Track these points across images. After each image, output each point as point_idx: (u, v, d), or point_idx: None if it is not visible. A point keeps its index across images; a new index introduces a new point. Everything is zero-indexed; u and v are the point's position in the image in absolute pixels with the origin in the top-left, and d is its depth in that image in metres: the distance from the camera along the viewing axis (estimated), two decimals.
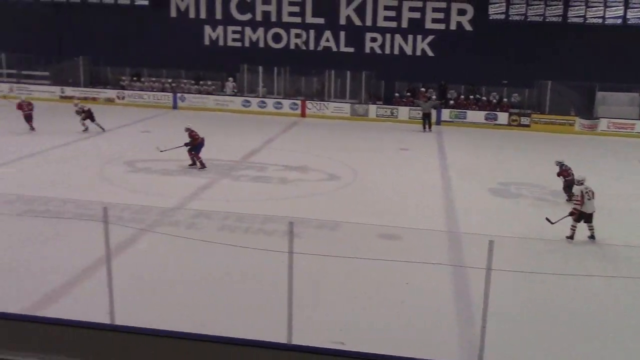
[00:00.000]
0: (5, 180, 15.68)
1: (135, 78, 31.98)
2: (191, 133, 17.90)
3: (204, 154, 17.77)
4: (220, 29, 31.64)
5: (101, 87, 31.78)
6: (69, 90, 31.12)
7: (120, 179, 16.50)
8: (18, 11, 31.99)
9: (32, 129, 22.17)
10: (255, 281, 10.10)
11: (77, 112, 22.67)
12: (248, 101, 29.99)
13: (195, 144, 17.77)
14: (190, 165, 17.95)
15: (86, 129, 22.61)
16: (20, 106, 22.34)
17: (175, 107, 30.23)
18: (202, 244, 10.10)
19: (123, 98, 30.78)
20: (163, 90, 31.21)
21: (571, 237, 12.49)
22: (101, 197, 12.53)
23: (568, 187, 15.18)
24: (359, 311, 9.20)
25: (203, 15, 31.64)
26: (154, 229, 12.08)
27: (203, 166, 17.79)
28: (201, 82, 31.48)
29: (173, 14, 31.81)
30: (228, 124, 26.48)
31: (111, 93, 31.10)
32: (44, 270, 10.23)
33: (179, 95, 30.47)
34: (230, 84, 30.93)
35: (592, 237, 12.54)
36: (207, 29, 31.71)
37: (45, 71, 32.58)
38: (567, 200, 15.20)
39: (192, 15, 31.74)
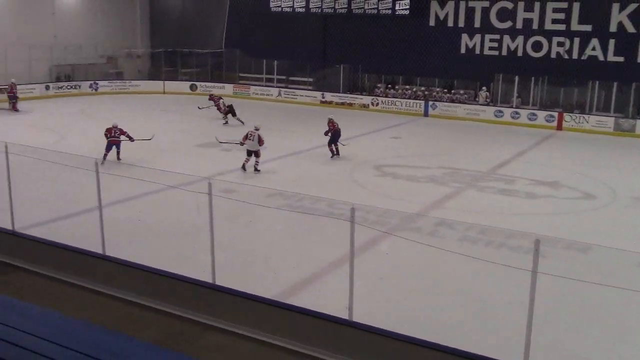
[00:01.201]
0: (271, 176, 17.37)
1: (389, 86, 33.03)
2: (331, 124, 19.96)
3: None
4: (477, 37, 31.23)
5: (357, 94, 33.41)
6: (329, 96, 33.28)
7: (369, 182, 17.17)
8: (291, 22, 35.09)
9: (226, 122, 25.93)
10: (493, 297, 9.80)
11: (218, 108, 26.30)
12: (501, 111, 29.15)
13: (333, 133, 19.81)
14: (332, 157, 19.77)
15: (226, 122, 25.62)
16: (215, 98, 27.10)
17: (426, 114, 30.57)
18: (441, 252, 10.07)
19: (377, 105, 31.97)
20: (415, 97, 31.78)
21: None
22: (349, 198, 13.15)
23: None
24: (607, 344, 8.42)
25: (461, 23, 31.52)
26: (396, 232, 12.36)
27: (334, 154, 19.85)
28: (453, 91, 31.41)
29: (431, 23, 32.20)
30: (478, 134, 26.05)
31: (366, 99, 32.52)
32: (296, 260, 11.08)
33: (430, 103, 30.77)
34: (483, 93, 30.38)
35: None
36: (464, 38, 31.52)
37: (310, 77, 35.23)
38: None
39: (450, 24, 31.81)
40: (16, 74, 29.57)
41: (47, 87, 33.28)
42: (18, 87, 28.75)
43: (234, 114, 25.84)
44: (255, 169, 17.61)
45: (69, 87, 34.24)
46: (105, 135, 18.11)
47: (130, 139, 18.31)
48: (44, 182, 15.12)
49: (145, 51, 40.16)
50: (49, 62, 34.35)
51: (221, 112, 26.24)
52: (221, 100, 26.71)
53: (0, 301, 5.86)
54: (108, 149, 17.96)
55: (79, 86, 34.59)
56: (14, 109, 27.86)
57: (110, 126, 18.26)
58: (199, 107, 27.60)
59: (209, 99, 27.46)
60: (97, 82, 35.24)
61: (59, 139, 21.67)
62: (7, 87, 28.23)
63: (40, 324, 5.09)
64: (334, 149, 19.88)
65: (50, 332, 4.82)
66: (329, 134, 19.93)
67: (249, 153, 17.61)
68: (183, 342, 8.06)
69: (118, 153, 18.20)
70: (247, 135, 17.68)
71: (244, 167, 17.59)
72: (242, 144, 17.98)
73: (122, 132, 18.22)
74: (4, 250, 10.71)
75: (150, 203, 14.06)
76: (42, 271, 10.20)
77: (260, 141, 17.51)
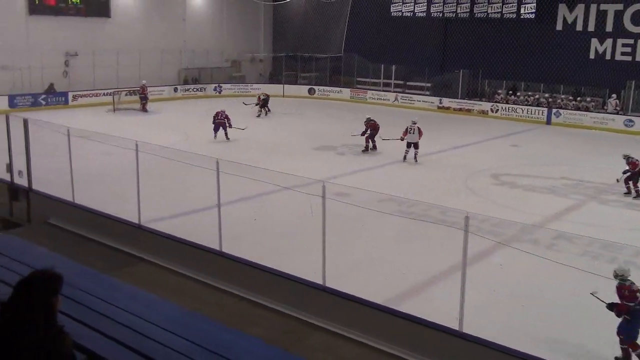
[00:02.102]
0: (384, 181, 17.35)
1: (511, 92, 31.96)
2: (368, 123, 20.91)
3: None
4: (608, 42, 29.57)
5: (476, 100, 32.57)
6: (447, 102, 32.69)
7: (484, 190, 16.71)
8: (411, 27, 34.81)
9: (264, 114, 28.73)
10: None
11: (258, 101, 28.76)
12: (631, 120, 27.37)
13: (372, 131, 20.88)
14: (363, 150, 20.83)
15: (259, 115, 28.33)
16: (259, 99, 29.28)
17: (549, 122, 29.29)
18: (559, 267, 9.60)
19: (496, 111, 31.04)
20: (538, 104, 30.54)
21: None
22: (463, 206, 12.83)
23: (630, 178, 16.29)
24: None
25: (591, 27, 29.96)
26: (511, 244, 11.92)
27: (367, 149, 20.85)
28: (579, 98, 29.87)
29: (559, 27, 30.85)
30: (605, 144, 24.61)
31: (485, 105, 31.64)
32: (405, 267, 10.99)
33: (554, 110, 29.45)
34: (612, 101, 28.66)
35: None
36: (594, 42, 29.94)
37: (428, 83, 34.80)
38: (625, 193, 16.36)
39: (579, 28, 30.32)
40: (148, 77, 31.51)
41: (176, 89, 35.17)
42: (149, 89, 30.60)
43: (266, 105, 28.55)
44: (416, 160, 19.36)
45: (195, 89, 36.00)
46: (214, 118, 22.11)
47: (230, 124, 21.98)
48: (168, 179, 15.95)
49: (267, 55, 41.44)
50: (177, 65, 36.33)
51: (257, 105, 28.44)
52: (260, 93, 29.51)
53: (125, 290, 6.28)
54: (216, 129, 21.94)
55: (204, 89, 36.28)
56: (143, 109, 29.67)
57: (218, 110, 22.24)
58: (244, 103, 29.14)
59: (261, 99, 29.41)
60: (220, 85, 36.80)
61: (184, 138, 22.80)
62: (139, 88, 30.12)
63: (158, 313, 5.40)
64: (370, 144, 20.97)
65: (167, 321, 5.10)
66: (367, 132, 20.96)
67: (409, 145, 19.37)
68: (290, 340, 8.23)
69: (226, 134, 21.95)
70: (406, 129, 19.38)
71: (405, 158, 19.53)
72: (402, 139, 19.56)
73: (226, 117, 22.05)
74: (130, 242, 11.44)
75: (265, 203, 14.47)
76: (163, 263, 10.79)
77: (420, 133, 19.36)
